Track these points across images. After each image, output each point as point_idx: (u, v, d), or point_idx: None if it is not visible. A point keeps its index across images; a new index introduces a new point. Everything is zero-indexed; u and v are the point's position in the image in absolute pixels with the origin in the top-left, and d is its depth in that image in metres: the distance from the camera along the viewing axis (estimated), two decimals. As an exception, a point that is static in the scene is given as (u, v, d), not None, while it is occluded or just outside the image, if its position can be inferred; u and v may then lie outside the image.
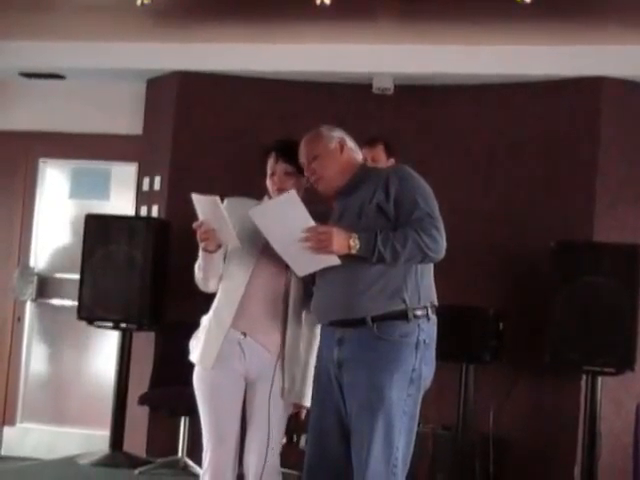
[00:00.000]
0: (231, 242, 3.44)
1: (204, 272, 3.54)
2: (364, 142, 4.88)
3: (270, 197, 3.63)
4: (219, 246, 3.47)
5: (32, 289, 6.80)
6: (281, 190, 3.55)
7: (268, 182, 3.61)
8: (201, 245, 3.46)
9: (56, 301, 6.84)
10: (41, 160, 6.95)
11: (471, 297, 5.58)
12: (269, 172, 3.60)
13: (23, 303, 6.88)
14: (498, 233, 5.87)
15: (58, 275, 6.83)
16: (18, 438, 6.81)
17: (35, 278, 6.81)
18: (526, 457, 5.70)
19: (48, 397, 6.87)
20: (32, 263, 6.91)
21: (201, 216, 3.44)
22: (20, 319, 6.90)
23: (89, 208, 6.46)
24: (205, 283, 3.57)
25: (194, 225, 3.44)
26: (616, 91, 5.78)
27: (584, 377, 5.40)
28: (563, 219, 5.74)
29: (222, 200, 3.57)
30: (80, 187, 6.97)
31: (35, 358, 6.92)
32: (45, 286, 6.86)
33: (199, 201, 3.42)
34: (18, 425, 6.85)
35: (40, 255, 6.94)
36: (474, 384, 5.55)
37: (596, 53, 5.65)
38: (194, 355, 3.59)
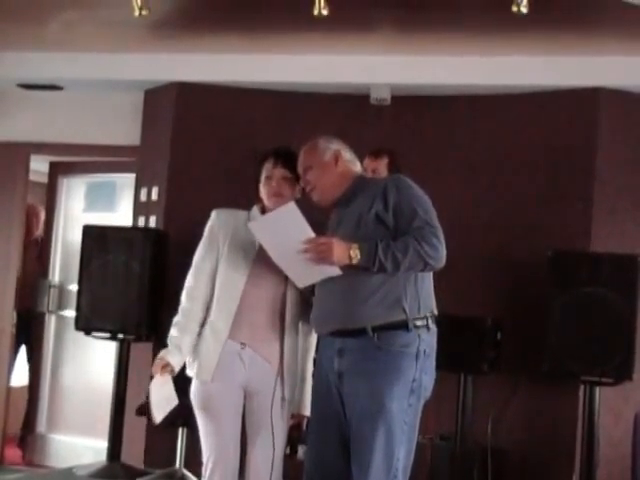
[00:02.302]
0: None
1: None
2: (369, 151, 4.90)
3: (261, 204, 3.61)
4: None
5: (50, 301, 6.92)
6: (277, 195, 3.53)
7: (263, 187, 3.57)
8: None
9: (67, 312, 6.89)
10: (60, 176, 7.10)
11: (469, 307, 5.57)
12: (265, 176, 3.57)
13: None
14: (496, 243, 5.87)
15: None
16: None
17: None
18: (524, 467, 5.68)
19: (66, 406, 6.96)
20: (50, 275, 7.00)
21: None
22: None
23: (97, 219, 6.49)
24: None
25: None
26: (613, 101, 5.78)
27: (582, 387, 5.38)
28: (561, 228, 5.74)
29: (210, 212, 3.60)
30: (90, 199, 7.08)
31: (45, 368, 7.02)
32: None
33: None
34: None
35: (57, 267, 7.05)
36: (472, 394, 5.54)
37: (593, 64, 5.66)
38: (191, 369, 3.58)
